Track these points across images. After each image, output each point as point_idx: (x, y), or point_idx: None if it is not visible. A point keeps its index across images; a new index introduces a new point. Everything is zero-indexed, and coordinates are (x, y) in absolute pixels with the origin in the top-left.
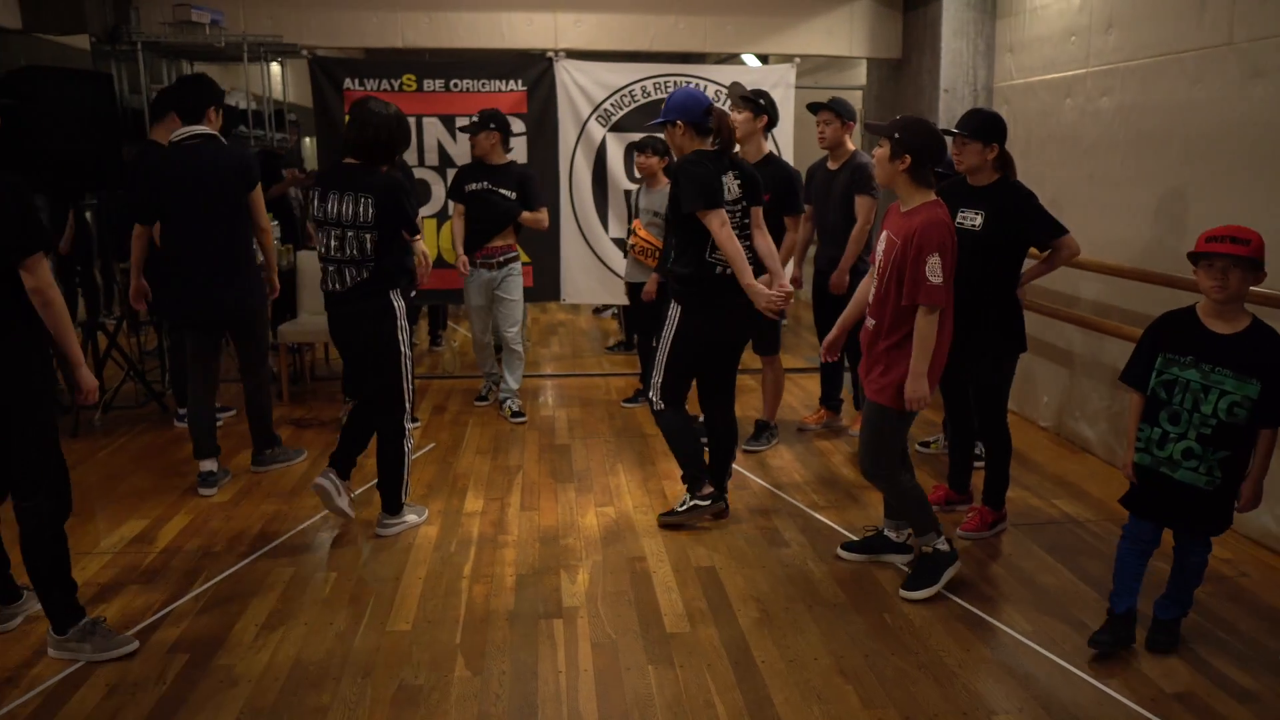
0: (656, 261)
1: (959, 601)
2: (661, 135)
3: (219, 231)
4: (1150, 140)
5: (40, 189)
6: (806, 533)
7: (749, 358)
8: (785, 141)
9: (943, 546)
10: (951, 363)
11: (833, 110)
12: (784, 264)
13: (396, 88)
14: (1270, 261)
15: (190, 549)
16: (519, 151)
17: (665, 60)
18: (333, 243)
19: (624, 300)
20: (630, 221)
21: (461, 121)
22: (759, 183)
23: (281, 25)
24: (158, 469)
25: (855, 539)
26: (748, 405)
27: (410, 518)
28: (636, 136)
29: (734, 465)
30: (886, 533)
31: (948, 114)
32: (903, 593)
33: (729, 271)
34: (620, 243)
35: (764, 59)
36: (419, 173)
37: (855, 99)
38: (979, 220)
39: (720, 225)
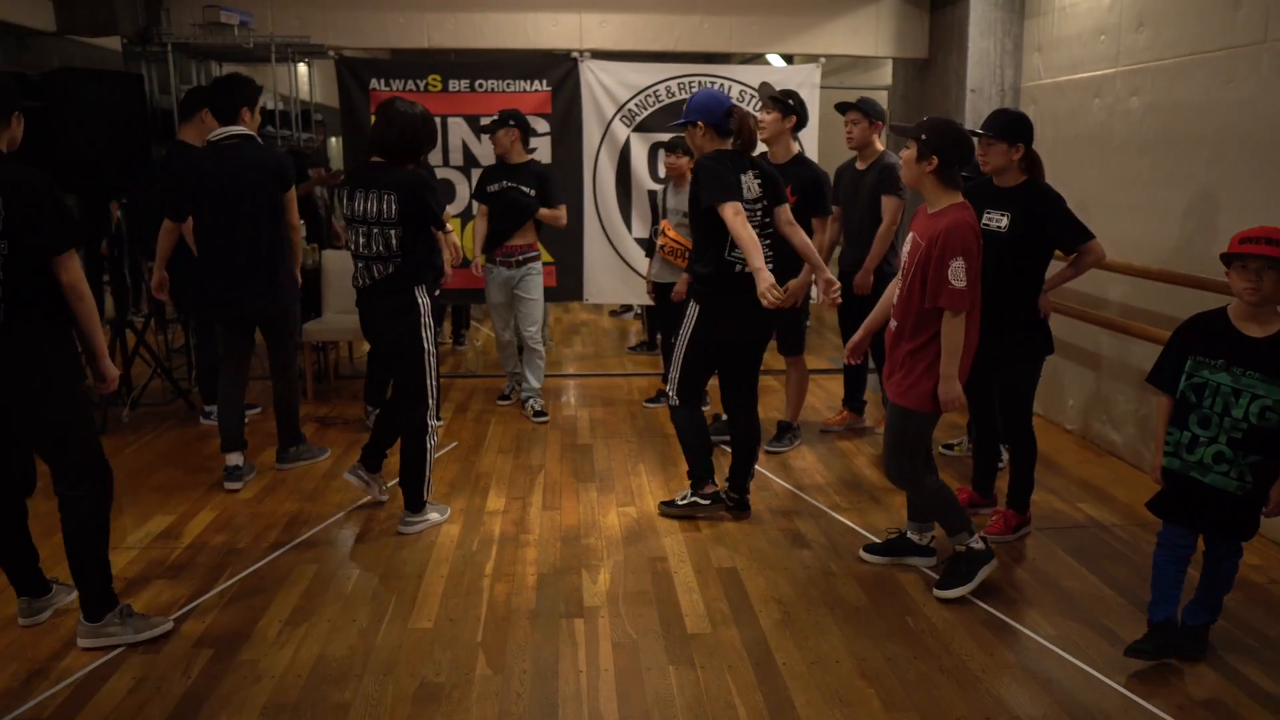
0: (686, 262)
1: (982, 605)
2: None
3: (255, 231)
4: (1181, 140)
5: (71, 188)
6: (829, 534)
7: (773, 358)
8: (810, 142)
9: (977, 545)
10: (976, 365)
11: (861, 110)
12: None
13: (422, 88)
14: None
15: (215, 544)
16: (543, 151)
17: (690, 60)
18: (361, 240)
19: (646, 300)
20: (654, 222)
21: (486, 121)
22: (780, 183)
23: (309, 26)
24: (184, 465)
25: (878, 541)
26: (770, 406)
27: (433, 516)
28: (660, 137)
29: (756, 466)
30: (909, 535)
31: (974, 114)
32: (936, 591)
33: (748, 270)
34: (643, 242)
35: (789, 59)
36: (444, 173)
37: (881, 99)
38: (1005, 222)
39: (734, 214)
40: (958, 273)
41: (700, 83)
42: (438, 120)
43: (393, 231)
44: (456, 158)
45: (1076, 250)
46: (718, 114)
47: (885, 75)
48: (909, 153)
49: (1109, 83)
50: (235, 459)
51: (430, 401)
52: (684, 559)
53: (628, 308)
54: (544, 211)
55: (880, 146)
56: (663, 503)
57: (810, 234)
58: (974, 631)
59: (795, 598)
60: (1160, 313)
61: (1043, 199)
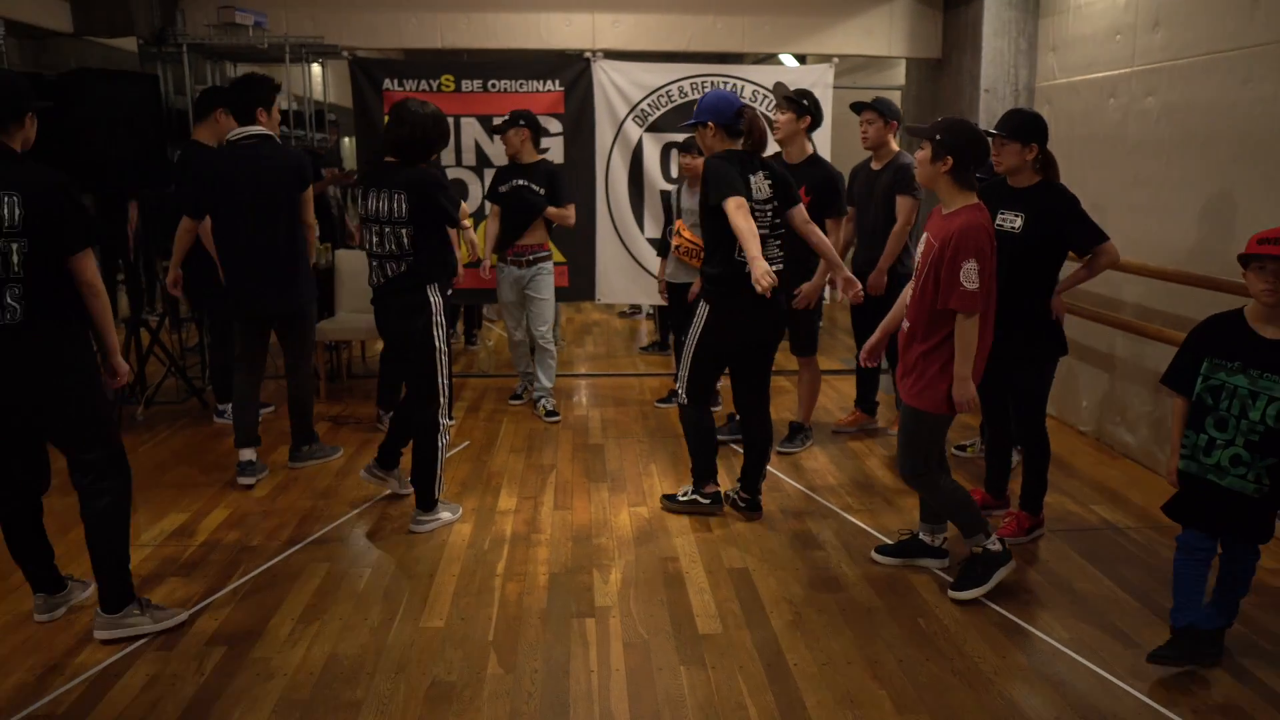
0: (701, 262)
1: (995, 608)
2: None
3: (274, 230)
4: (1197, 141)
5: (88, 188)
6: (840, 535)
7: (786, 359)
8: (823, 142)
9: (994, 546)
10: (990, 366)
11: (876, 110)
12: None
13: (435, 88)
14: None
15: (229, 542)
16: (556, 151)
17: (702, 60)
18: (374, 239)
19: (658, 300)
20: (668, 222)
21: (498, 122)
22: (791, 185)
23: (322, 27)
24: (198, 463)
25: (890, 542)
26: (782, 407)
27: (444, 515)
28: (673, 137)
29: (768, 467)
30: (921, 536)
31: (988, 114)
32: (950, 592)
33: None
34: (656, 243)
35: (802, 59)
36: (457, 172)
37: (894, 99)
38: (1019, 222)
39: (735, 208)
40: (970, 274)
41: (713, 83)
42: (451, 120)
43: (404, 230)
44: (469, 158)
45: (1091, 252)
46: (728, 114)
47: (898, 75)
48: (924, 153)
49: (1124, 83)
50: (249, 454)
51: (441, 400)
52: (695, 559)
53: (636, 308)
54: (551, 210)
55: (895, 147)
56: (665, 495)
57: (825, 234)
58: (986, 634)
59: (807, 599)
60: (1176, 314)
61: (1057, 200)
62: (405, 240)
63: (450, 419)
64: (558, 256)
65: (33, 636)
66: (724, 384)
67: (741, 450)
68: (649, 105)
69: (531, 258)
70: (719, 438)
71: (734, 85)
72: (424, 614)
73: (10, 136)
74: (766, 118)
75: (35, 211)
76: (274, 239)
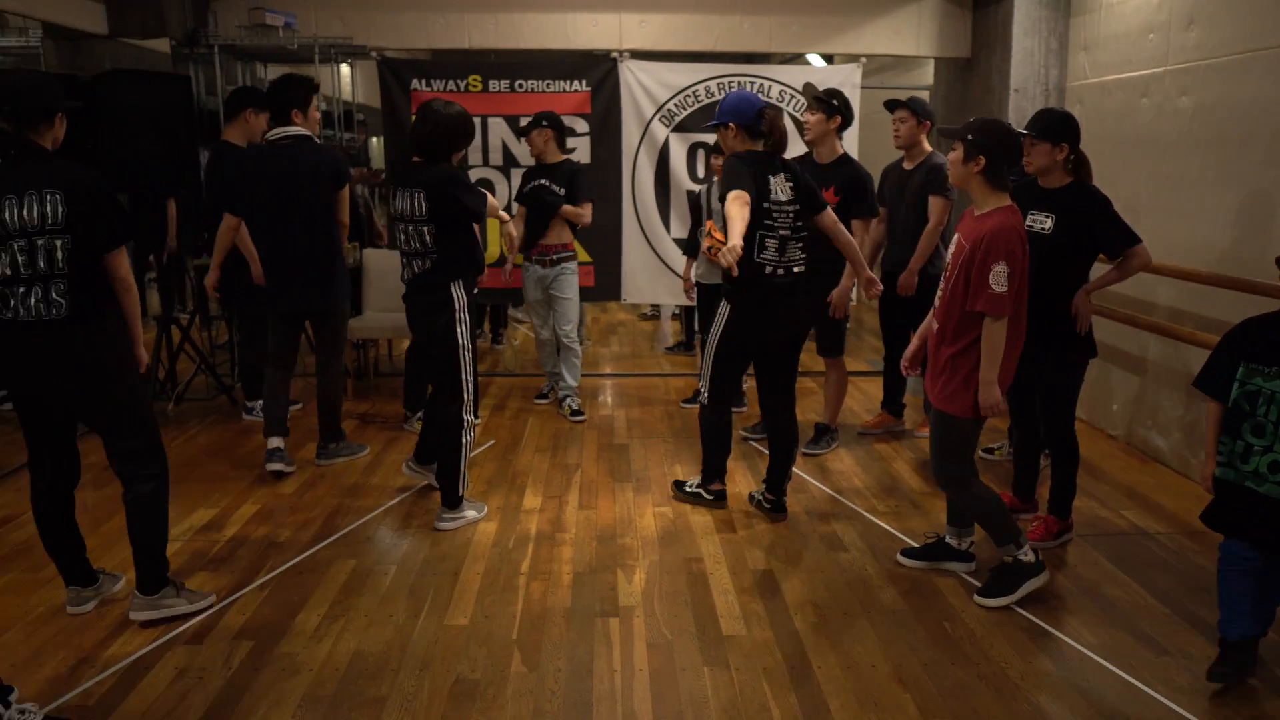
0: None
1: (1022, 612)
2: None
3: (310, 228)
4: (1232, 141)
5: (122, 187)
6: (866, 538)
7: (812, 360)
8: (850, 143)
9: (1026, 557)
10: (1018, 369)
11: (910, 109)
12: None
13: (462, 88)
14: None
15: (257, 538)
16: (582, 151)
17: (729, 60)
18: (401, 237)
19: (684, 300)
20: (695, 223)
21: (524, 122)
22: (816, 191)
23: (351, 27)
24: (227, 459)
25: (916, 545)
26: (808, 408)
27: (469, 513)
28: (699, 137)
29: (794, 469)
30: (948, 540)
31: (1018, 114)
32: (977, 597)
33: (779, 271)
34: (682, 243)
35: (829, 59)
36: (484, 172)
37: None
38: (1049, 223)
39: (734, 198)
40: (999, 277)
41: (739, 83)
42: (478, 120)
43: (425, 228)
44: (496, 157)
45: (1122, 255)
46: (749, 115)
47: (926, 75)
48: (956, 154)
49: (1157, 82)
50: (276, 442)
51: (465, 396)
52: (719, 560)
53: (656, 310)
54: (566, 209)
55: (928, 147)
56: (675, 481)
57: (853, 235)
58: (1013, 638)
59: (831, 601)
60: (1210, 317)
61: (1089, 201)
62: (427, 238)
63: (475, 417)
64: (583, 256)
65: (65, 628)
66: (750, 385)
67: (768, 451)
68: (675, 105)
69: (555, 257)
70: (751, 439)
71: (761, 85)
72: (448, 611)
73: (41, 136)
74: (795, 118)
75: (77, 209)
76: (310, 237)
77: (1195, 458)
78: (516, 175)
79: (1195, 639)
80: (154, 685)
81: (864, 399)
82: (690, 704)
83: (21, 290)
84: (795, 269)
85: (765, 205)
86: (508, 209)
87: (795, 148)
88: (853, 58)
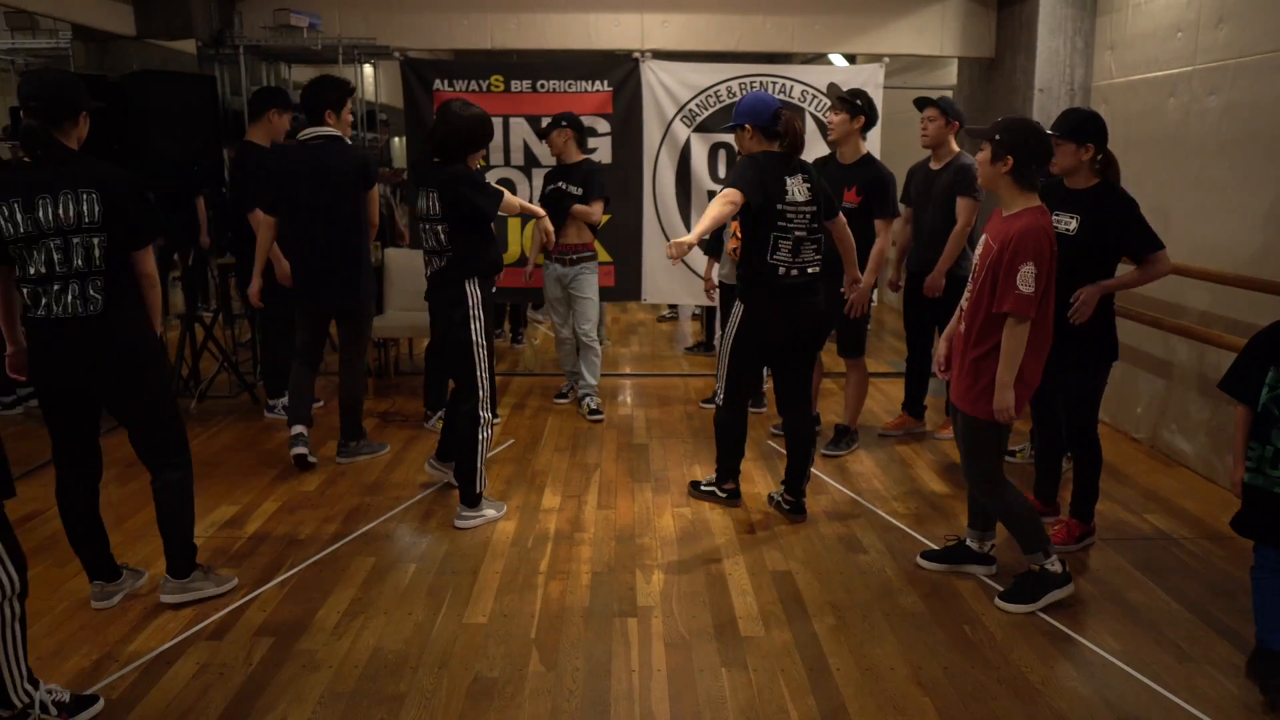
0: None
1: (1044, 617)
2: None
3: (338, 228)
4: (1262, 141)
5: (150, 186)
6: (885, 540)
7: (833, 361)
8: (873, 143)
9: (1053, 567)
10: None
11: (939, 107)
12: (877, 268)
13: (484, 88)
14: None
15: (278, 535)
16: (604, 152)
17: (751, 60)
18: (423, 235)
19: (704, 301)
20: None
21: (545, 122)
22: (830, 196)
23: (375, 28)
24: (249, 457)
25: (936, 548)
26: (828, 409)
27: (488, 512)
28: (721, 137)
29: (814, 470)
30: (968, 542)
31: (1042, 114)
32: (998, 601)
33: (793, 273)
34: (703, 243)
35: (851, 59)
36: (505, 172)
37: None
38: (1073, 225)
39: (722, 194)
40: (1026, 278)
41: (761, 83)
42: (500, 120)
43: (440, 227)
44: (518, 158)
45: (1144, 260)
46: (765, 116)
47: (950, 75)
48: (984, 154)
49: (1185, 81)
50: (300, 428)
51: (480, 393)
52: (738, 561)
53: (674, 311)
54: (577, 207)
55: (955, 147)
56: (692, 482)
57: (874, 235)
58: (1034, 643)
59: (850, 603)
60: (1238, 319)
61: (1115, 203)
62: (443, 236)
63: (492, 415)
64: (604, 256)
65: (89, 623)
66: (771, 386)
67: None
68: (697, 105)
69: (575, 256)
70: (778, 434)
71: (783, 86)
72: (467, 610)
73: (65, 134)
74: (818, 119)
75: (112, 207)
76: (337, 236)
77: (1222, 462)
78: (538, 175)
79: (1220, 645)
80: (176, 680)
81: (884, 400)
82: (708, 705)
83: (56, 288)
84: (809, 270)
85: (779, 207)
86: None
87: (819, 148)
88: (876, 58)
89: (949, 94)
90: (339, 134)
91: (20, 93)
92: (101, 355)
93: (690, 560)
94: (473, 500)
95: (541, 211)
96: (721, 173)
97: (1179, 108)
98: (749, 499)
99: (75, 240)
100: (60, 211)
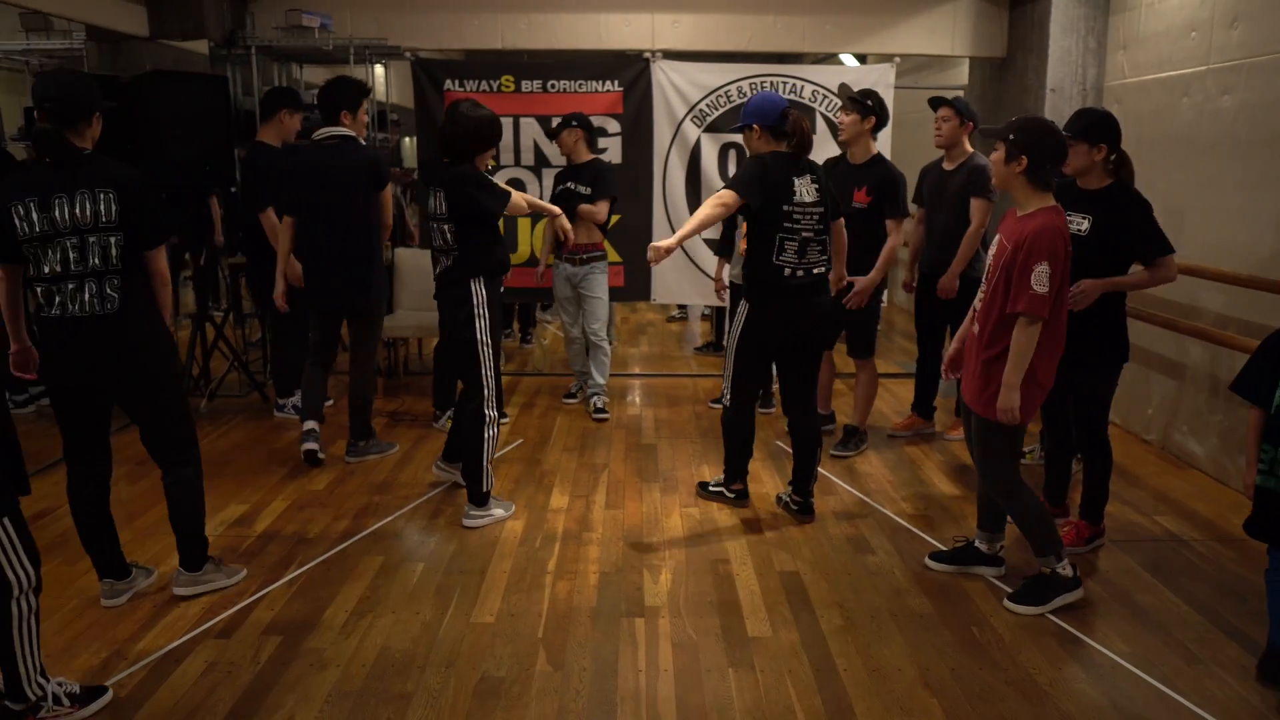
0: None
1: (1052, 618)
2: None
3: (349, 228)
4: (1276, 141)
5: (162, 186)
6: (894, 541)
7: (843, 362)
8: (884, 143)
9: (1064, 571)
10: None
11: (954, 108)
12: (886, 266)
13: (495, 88)
14: None
15: (286, 534)
16: (614, 152)
17: (762, 60)
18: (431, 234)
19: (714, 301)
20: (728, 224)
21: (556, 122)
22: (836, 199)
23: (386, 28)
24: (258, 456)
25: (944, 549)
26: (840, 410)
27: (497, 512)
28: (731, 137)
29: (822, 470)
30: (977, 544)
31: (1054, 114)
32: (1006, 602)
33: (799, 274)
34: (713, 244)
35: (862, 59)
36: (516, 172)
37: None
38: (1085, 225)
39: (713, 198)
40: (1041, 277)
41: (772, 83)
42: (510, 120)
43: (447, 226)
44: (528, 158)
45: (1152, 263)
46: (772, 116)
47: (961, 75)
48: (998, 154)
49: (1199, 81)
50: (312, 424)
51: (485, 391)
52: (746, 561)
53: (684, 311)
54: (583, 207)
55: (969, 148)
56: (700, 483)
57: (884, 235)
58: (1042, 644)
59: (858, 604)
60: (1252, 321)
61: (1128, 204)
62: (449, 235)
63: (498, 414)
64: (613, 256)
65: (98, 621)
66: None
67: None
68: (708, 105)
69: (585, 256)
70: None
71: (794, 86)
72: (475, 609)
73: (79, 134)
74: (828, 119)
75: (128, 207)
76: (348, 236)
77: (1232, 464)
78: (548, 175)
79: (1230, 648)
80: (184, 678)
81: (894, 401)
82: (715, 705)
83: (71, 286)
84: (815, 270)
85: (786, 208)
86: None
87: (830, 148)
88: (886, 58)
89: (960, 94)
90: (353, 134)
91: (35, 94)
92: (119, 353)
93: (698, 560)
94: (480, 499)
95: (557, 210)
96: (731, 173)
97: (1192, 108)
98: (757, 499)
99: (92, 239)
100: (77, 210)
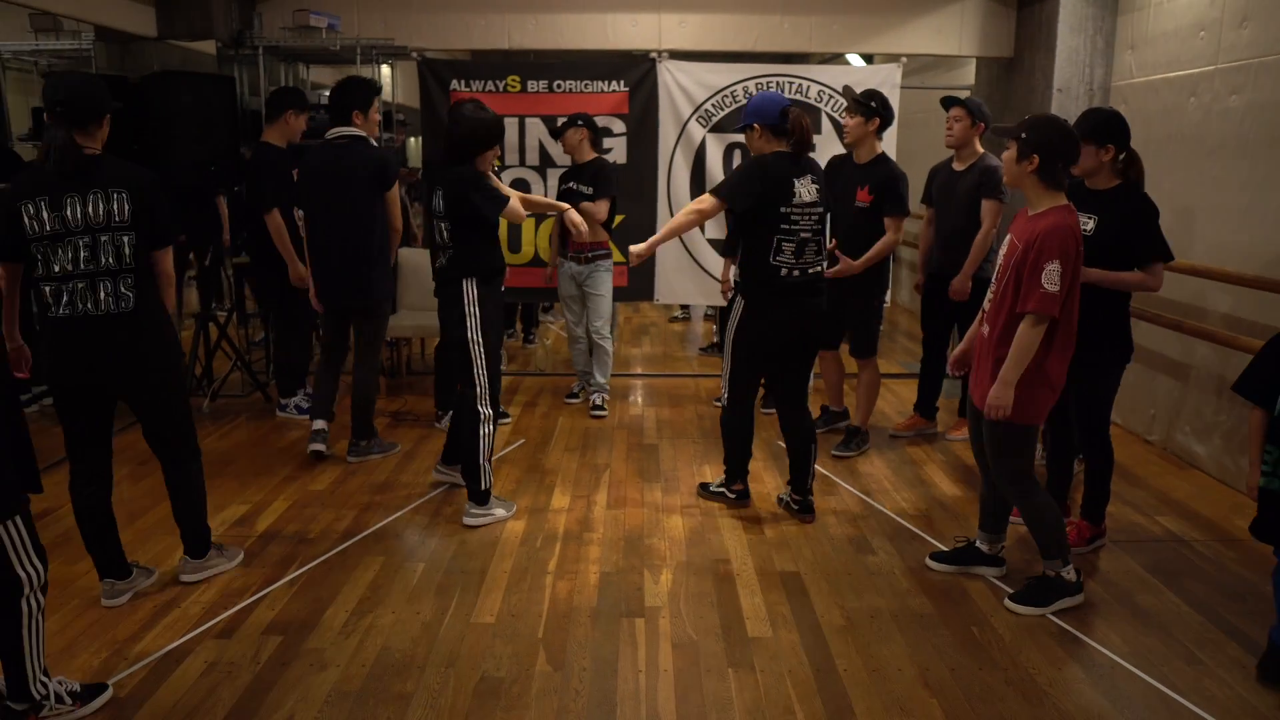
0: None
1: (1053, 619)
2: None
3: (356, 227)
4: None
5: (170, 186)
6: (895, 541)
7: (847, 362)
8: (889, 142)
9: (1068, 575)
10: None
11: (966, 108)
12: (874, 257)
13: (501, 88)
14: None
15: (287, 534)
16: (619, 152)
17: (768, 60)
18: (432, 232)
19: (718, 301)
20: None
21: (562, 121)
22: (829, 196)
23: (393, 28)
24: (260, 455)
25: (945, 549)
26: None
27: (498, 511)
28: (736, 137)
29: (823, 470)
30: (978, 544)
31: (1061, 114)
32: (1008, 602)
33: (795, 274)
34: (718, 244)
35: (869, 59)
36: (520, 172)
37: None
38: (1090, 225)
39: (697, 201)
40: (1052, 276)
41: (778, 83)
42: (516, 120)
43: (443, 225)
44: (533, 157)
45: (1143, 266)
46: (773, 115)
47: (967, 75)
48: (1010, 153)
49: (1207, 81)
50: (320, 424)
51: (478, 389)
52: (746, 562)
53: (686, 312)
54: (584, 205)
55: (980, 149)
56: (702, 484)
57: (882, 232)
58: (1042, 644)
59: (858, 604)
60: (1259, 322)
61: (1135, 205)
62: (446, 234)
63: (493, 411)
64: (618, 256)
65: (99, 621)
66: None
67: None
68: (713, 105)
69: (590, 255)
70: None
71: (799, 86)
72: (475, 609)
73: (90, 137)
74: (834, 119)
75: (139, 207)
76: (355, 235)
77: (1235, 465)
78: (553, 175)
79: (1230, 648)
80: (184, 678)
81: (896, 401)
82: (714, 705)
83: (82, 286)
84: (811, 270)
85: (785, 209)
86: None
87: (834, 148)
88: (893, 57)
89: (967, 93)
90: (364, 134)
91: (46, 96)
92: (132, 351)
93: (698, 561)
94: (480, 498)
95: (564, 206)
96: None
97: (1200, 108)
98: (758, 500)
99: (104, 238)
100: (90, 210)
